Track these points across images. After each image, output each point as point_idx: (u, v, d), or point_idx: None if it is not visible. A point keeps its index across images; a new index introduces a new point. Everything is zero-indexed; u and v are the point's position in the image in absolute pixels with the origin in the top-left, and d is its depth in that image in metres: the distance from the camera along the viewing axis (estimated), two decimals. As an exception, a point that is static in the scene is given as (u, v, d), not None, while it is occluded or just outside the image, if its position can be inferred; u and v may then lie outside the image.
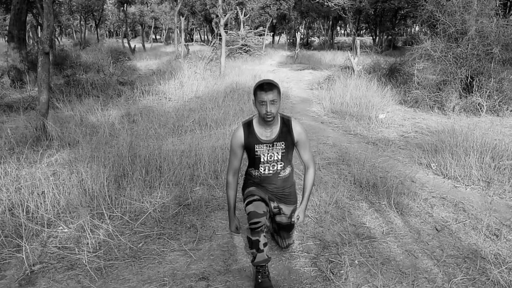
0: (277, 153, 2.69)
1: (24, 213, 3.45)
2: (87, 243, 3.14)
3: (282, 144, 2.67)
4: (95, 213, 3.62)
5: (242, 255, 3.11)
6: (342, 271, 2.86)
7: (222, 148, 5.22)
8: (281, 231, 3.06)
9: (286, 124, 2.70)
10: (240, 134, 2.69)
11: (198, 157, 4.87)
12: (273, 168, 2.73)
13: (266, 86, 2.51)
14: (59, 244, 3.17)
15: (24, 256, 2.90)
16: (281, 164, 2.73)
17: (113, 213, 3.67)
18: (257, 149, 2.67)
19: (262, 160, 2.69)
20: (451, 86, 8.69)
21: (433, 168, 4.98)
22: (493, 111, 8.26)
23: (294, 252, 3.14)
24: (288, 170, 2.82)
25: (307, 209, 3.05)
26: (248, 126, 2.70)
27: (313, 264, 2.98)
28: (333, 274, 2.84)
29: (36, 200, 3.62)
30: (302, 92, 11.76)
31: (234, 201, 2.85)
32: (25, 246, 2.97)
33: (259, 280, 2.64)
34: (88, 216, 3.44)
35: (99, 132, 6.12)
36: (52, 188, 3.80)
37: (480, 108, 8.21)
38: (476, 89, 8.54)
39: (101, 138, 5.73)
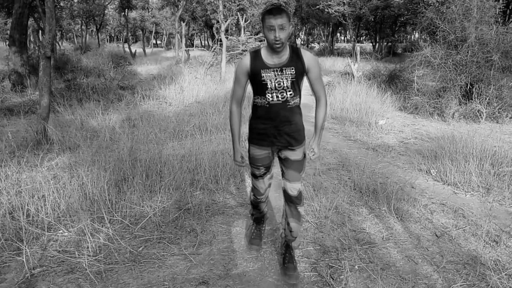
0: (286, 79, 2.50)
1: (25, 217, 3.45)
2: (87, 247, 3.15)
3: (292, 69, 2.49)
4: (96, 217, 3.63)
5: (242, 259, 3.11)
6: (342, 277, 2.86)
7: (223, 153, 5.23)
8: (289, 170, 2.73)
9: (295, 51, 2.54)
10: (246, 61, 2.54)
11: (199, 161, 4.88)
12: (281, 96, 2.53)
13: (274, 10, 2.34)
14: (59, 248, 3.17)
15: (24, 260, 2.90)
16: (290, 91, 2.54)
17: (113, 217, 3.67)
18: (263, 74, 2.49)
19: (269, 86, 2.51)
20: (451, 93, 8.72)
21: (433, 174, 4.99)
22: (492, 118, 8.29)
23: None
24: (297, 99, 2.62)
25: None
26: (255, 53, 2.55)
27: (313, 269, 2.98)
28: (333, 279, 2.85)
29: (37, 204, 3.63)
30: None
31: (239, 132, 2.74)
32: (25, 249, 2.97)
33: (252, 236, 3.06)
34: (88, 220, 3.44)
35: (100, 136, 6.13)
36: (53, 191, 3.80)
37: (480, 115, 8.23)
38: (476, 96, 8.57)
39: (101, 142, 5.74)
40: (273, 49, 2.43)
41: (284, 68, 2.50)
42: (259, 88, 2.55)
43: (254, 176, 2.84)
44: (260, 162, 2.76)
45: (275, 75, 2.50)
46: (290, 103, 2.58)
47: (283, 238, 3.04)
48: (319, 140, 2.76)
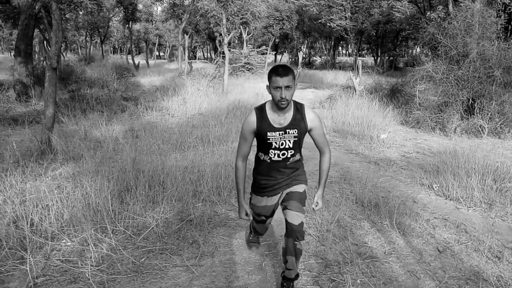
0: (289, 140, 2.60)
1: (28, 226, 3.47)
2: (90, 257, 3.16)
3: (295, 131, 2.59)
4: (99, 227, 3.64)
5: (244, 272, 3.12)
6: (344, 290, 2.86)
7: (225, 165, 5.25)
8: (291, 201, 2.71)
9: (299, 110, 2.62)
10: (253, 120, 2.60)
11: (201, 173, 4.90)
12: (283, 155, 2.64)
13: (281, 70, 2.43)
14: (63, 257, 3.18)
15: (28, 269, 2.91)
16: (291, 151, 2.65)
17: (116, 227, 3.68)
18: (269, 136, 2.58)
19: (273, 146, 2.62)
20: (453, 107, 8.76)
21: (435, 189, 5.00)
22: (494, 133, 8.31)
23: (296, 270, 3.15)
24: (297, 156, 2.72)
25: (323, 196, 2.80)
26: (261, 111, 2.61)
27: (315, 283, 2.98)
28: (335, 293, 2.84)
29: (41, 213, 3.65)
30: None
31: (243, 187, 2.79)
32: (29, 258, 2.99)
33: (250, 238, 3.18)
34: (91, 230, 3.46)
35: (103, 147, 6.16)
36: (56, 201, 3.82)
37: (482, 130, 8.26)
38: (478, 111, 8.61)
39: (105, 153, 5.77)
40: (279, 107, 2.52)
41: (287, 130, 2.59)
42: (264, 146, 2.66)
43: (255, 220, 2.95)
44: (261, 211, 2.84)
45: (279, 136, 2.59)
46: (290, 160, 2.69)
47: (283, 268, 2.93)
48: (323, 192, 2.79)
